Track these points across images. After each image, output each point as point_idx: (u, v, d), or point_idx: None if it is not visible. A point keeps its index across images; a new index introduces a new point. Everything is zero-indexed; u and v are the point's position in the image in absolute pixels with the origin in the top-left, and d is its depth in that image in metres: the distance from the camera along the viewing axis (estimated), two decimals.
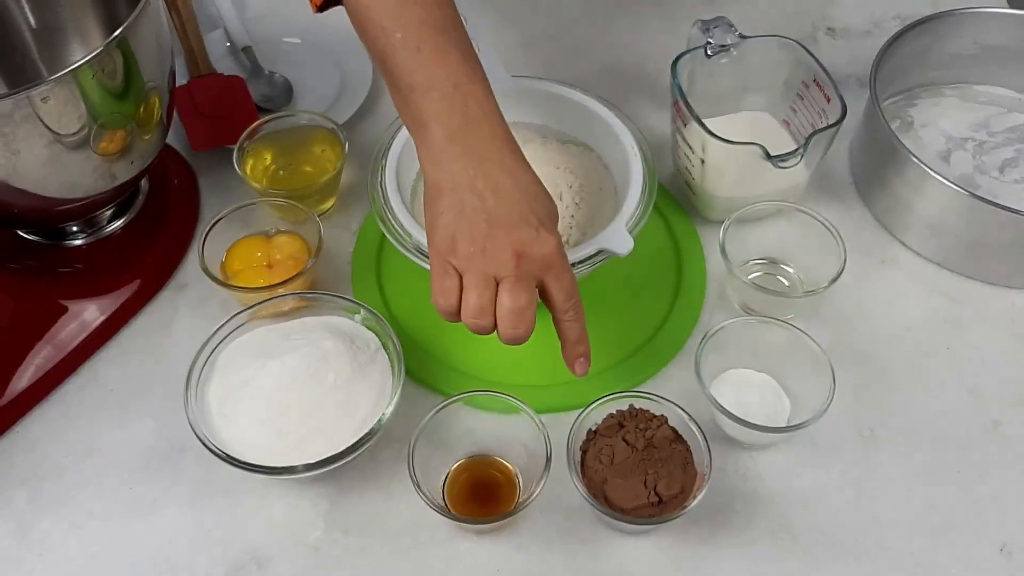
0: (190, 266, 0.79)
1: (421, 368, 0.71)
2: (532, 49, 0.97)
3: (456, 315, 0.57)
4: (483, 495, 0.65)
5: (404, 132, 0.73)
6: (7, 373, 0.70)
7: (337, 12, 1.01)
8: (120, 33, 0.64)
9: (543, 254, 0.56)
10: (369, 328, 0.68)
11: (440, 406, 0.64)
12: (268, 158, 0.82)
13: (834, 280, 0.71)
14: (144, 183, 0.81)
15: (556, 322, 0.60)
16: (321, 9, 0.68)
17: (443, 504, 0.64)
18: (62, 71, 0.61)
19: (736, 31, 0.78)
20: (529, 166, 0.59)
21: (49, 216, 0.73)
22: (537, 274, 0.57)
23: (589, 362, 0.61)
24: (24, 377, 0.70)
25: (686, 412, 0.63)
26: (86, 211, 0.75)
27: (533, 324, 0.56)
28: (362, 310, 0.68)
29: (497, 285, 0.56)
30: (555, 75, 0.77)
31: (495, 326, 0.57)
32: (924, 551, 0.64)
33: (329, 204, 0.82)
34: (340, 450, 0.61)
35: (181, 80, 0.88)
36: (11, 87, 0.79)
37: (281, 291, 0.70)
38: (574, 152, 0.76)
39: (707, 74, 0.79)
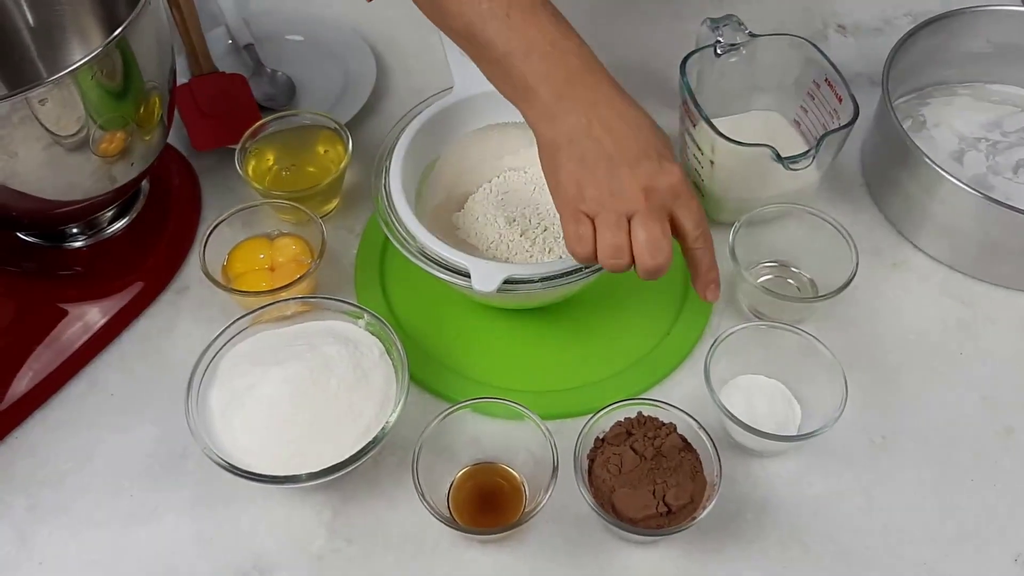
0: (191, 268, 0.78)
1: (425, 373, 0.70)
2: None
3: (593, 259, 0.58)
4: (488, 503, 0.64)
5: (409, 132, 0.72)
6: (6, 377, 0.69)
7: (338, 7, 0.99)
8: (120, 32, 0.63)
9: (669, 184, 0.57)
10: (373, 333, 0.67)
11: (445, 412, 0.63)
12: (270, 158, 0.81)
13: (846, 284, 0.70)
14: (145, 184, 0.80)
15: (686, 252, 0.60)
16: None
17: (447, 512, 0.63)
18: (61, 72, 0.60)
19: (746, 29, 0.77)
20: (635, 101, 0.59)
21: (49, 218, 0.72)
22: (666, 204, 0.57)
23: (719, 288, 0.61)
24: (24, 381, 0.70)
25: (695, 420, 0.62)
26: (86, 213, 0.74)
27: (671, 254, 0.57)
28: (365, 315, 0.67)
29: (629, 223, 0.56)
30: None
31: (632, 263, 0.57)
32: (937, 560, 0.63)
33: (332, 206, 0.81)
34: (344, 458, 0.60)
35: (182, 79, 0.87)
36: (9, 87, 0.78)
37: (283, 295, 0.69)
38: None
39: (716, 73, 0.78)
